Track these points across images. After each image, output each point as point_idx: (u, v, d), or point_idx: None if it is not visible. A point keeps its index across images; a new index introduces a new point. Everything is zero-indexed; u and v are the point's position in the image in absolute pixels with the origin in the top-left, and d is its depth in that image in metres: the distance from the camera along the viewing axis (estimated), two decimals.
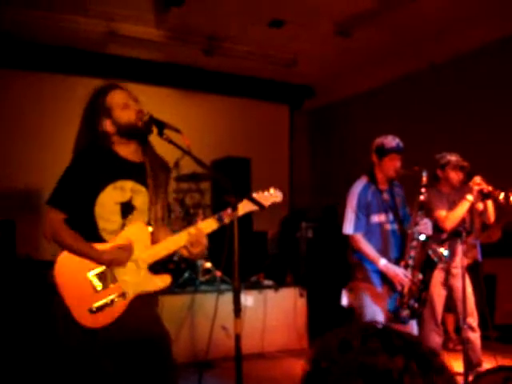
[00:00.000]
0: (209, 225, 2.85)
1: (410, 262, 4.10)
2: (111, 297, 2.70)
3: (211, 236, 7.38)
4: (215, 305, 2.87)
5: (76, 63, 8.13)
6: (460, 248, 4.68)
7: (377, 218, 4.22)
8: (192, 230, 2.81)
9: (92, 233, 2.74)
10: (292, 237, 8.04)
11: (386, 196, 4.30)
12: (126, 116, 2.78)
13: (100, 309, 2.68)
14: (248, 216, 8.03)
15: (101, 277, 2.70)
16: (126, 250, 2.72)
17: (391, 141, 4.24)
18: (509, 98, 6.96)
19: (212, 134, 8.89)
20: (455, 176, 4.81)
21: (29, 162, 7.86)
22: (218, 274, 6.55)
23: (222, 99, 9.48)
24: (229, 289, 6.09)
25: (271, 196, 2.97)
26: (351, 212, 4.20)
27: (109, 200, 2.76)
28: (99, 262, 2.69)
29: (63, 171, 2.77)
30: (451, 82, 7.71)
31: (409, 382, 0.93)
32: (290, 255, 7.95)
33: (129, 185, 2.81)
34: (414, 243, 4.11)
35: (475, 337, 4.76)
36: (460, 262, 4.65)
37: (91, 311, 2.66)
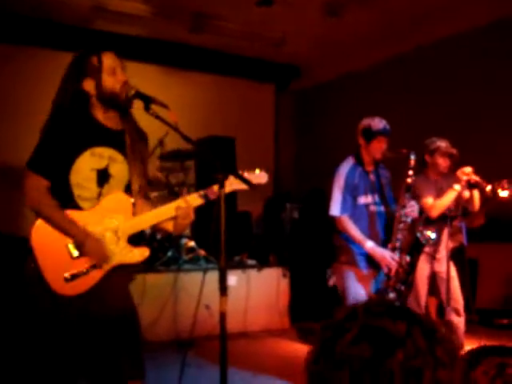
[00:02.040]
0: (193, 200, 2.80)
1: (398, 244, 4.09)
2: (87, 266, 2.65)
3: (195, 214, 7.36)
4: (201, 283, 2.84)
5: (61, 38, 7.97)
6: (446, 233, 4.71)
7: (363, 200, 4.21)
8: (181, 202, 2.76)
9: (67, 199, 2.67)
10: (276, 217, 8.03)
11: (372, 177, 4.28)
12: (111, 82, 2.70)
13: (75, 277, 2.63)
14: (232, 196, 8.03)
15: (78, 245, 2.65)
16: (107, 253, 2.68)
17: (378, 123, 4.22)
18: (495, 82, 6.96)
19: (197, 112, 8.80)
20: (443, 163, 4.79)
21: (7, 139, 7.71)
22: (202, 252, 6.54)
23: (207, 77, 9.38)
24: (212, 268, 6.08)
25: (257, 176, 2.94)
26: (338, 193, 4.17)
27: (85, 166, 2.68)
28: (78, 244, 2.63)
29: (41, 133, 2.68)
30: (438, 64, 7.69)
31: (411, 346, 0.96)
32: (274, 236, 7.95)
33: (107, 152, 2.74)
34: (401, 226, 4.10)
35: (459, 321, 4.77)
36: (445, 246, 4.67)
37: (66, 279, 2.62)
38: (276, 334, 6.43)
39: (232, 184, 2.78)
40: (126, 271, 2.82)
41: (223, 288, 2.58)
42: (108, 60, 2.75)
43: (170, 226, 2.86)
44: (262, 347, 5.91)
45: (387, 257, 4.02)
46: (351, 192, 4.16)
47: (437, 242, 4.73)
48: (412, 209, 4.11)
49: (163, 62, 8.92)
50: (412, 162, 4.13)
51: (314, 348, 1.06)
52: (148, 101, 2.68)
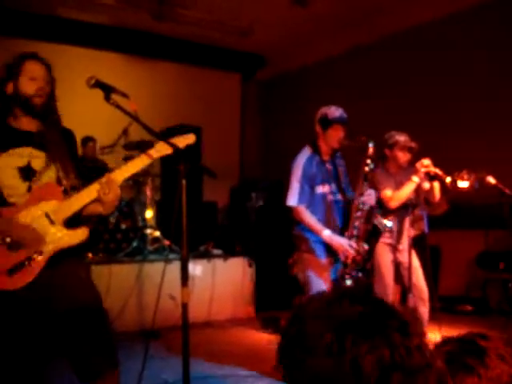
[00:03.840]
0: (123, 171, 2.77)
1: (355, 232, 4.12)
2: (27, 255, 2.62)
3: (160, 204, 7.31)
4: (162, 273, 2.83)
5: (23, 26, 7.82)
6: (407, 223, 4.76)
7: (321, 189, 4.23)
8: (103, 179, 2.71)
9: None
10: (242, 207, 8.03)
11: (329, 166, 4.32)
12: (27, 86, 2.71)
13: (16, 269, 2.60)
14: (198, 187, 7.97)
15: (5, 235, 2.61)
16: (37, 233, 2.64)
17: (334, 111, 4.23)
18: (460, 73, 7.04)
19: (163, 102, 8.75)
20: (403, 156, 4.79)
21: None
22: (167, 243, 6.52)
23: (172, 66, 9.32)
24: (177, 258, 6.06)
25: (184, 138, 2.92)
26: (296, 183, 4.19)
27: (5, 166, 2.68)
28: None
29: None
30: (402, 56, 7.74)
31: (382, 341, 0.96)
32: (240, 225, 7.95)
33: (25, 151, 2.73)
34: (359, 214, 4.14)
35: (424, 311, 4.81)
36: (407, 236, 4.73)
37: (7, 273, 2.58)
38: (241, 322, 6.45)
39: (160, 151, 2.76)
40: (75, 260, 2.79)
41: (185, 278, 2.57)
42: (32, 66, 2.74)
43: (100, 209, 2.81)
44: (226, 336, 5.92)
45: (344, 245, 4.05)
46: (308, 182, 4.18)
47: (398, 231, 4.78)
48: (369, 197, 4.15)
49: (128, 50, 8.82)
50: (370, 150, 4.15)
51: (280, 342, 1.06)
52: (108, 90, 2.66)
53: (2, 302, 2.64)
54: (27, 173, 2.72)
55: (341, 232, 4.18)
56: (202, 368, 4.46)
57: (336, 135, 4.20)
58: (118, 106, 2.63)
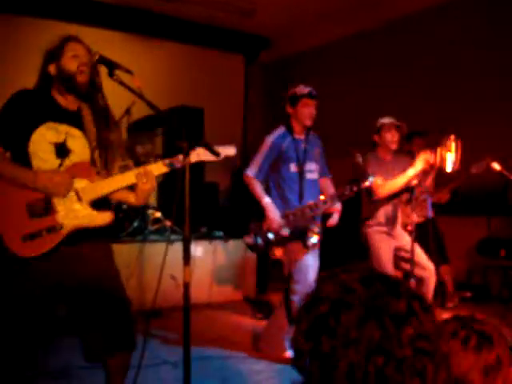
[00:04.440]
0: (157, 168, 2.78)
1: (292, 216, 4.24)
2: (46, 226, 2.64)
3: (162, 185, 7.29)
4: (164, 253, 2.81)
5: (26, 3, 7.74)
6: (400, 210, 4.75)
7: (295, 168, 4.33)
8: (141, 169, 2.76)
9: None
10: (244, 189, 7.99)
11: (303, 145, 4.39)
12: (69, 63, 2.73)
13: (32, 237, 2.62)
14: (199, 168, 7.97)
15: (37, 204, 2.64)
16: (65, 179, 2.65)
17: (303, 88, 4.34)
18: (463, 59, 6.98)
19: (166, 82, 8.69)
20: (392, 137, 4.74)
21: None
22: (168, 223, 6.50)
23: (176, 46, 9.22)
24: (178, 239, 6.05)
25: (225, 149, 2.90)
26: (259, 158, 4.35)
27: (42, 139, 2.69)
28: (33, 186, 2.61)
29: (1, 109, 2.72)
30: (406, 40, 7.66)
31: (416, 323, 0.97)
32: (241, 207, 7.92)
33: (63, 128, 2.75)
34: (308, 210, 4.22)
35: (431, 287, 4.74)
36: (400, 222, 4.77)
37: (23, 238, 2.60)
38: (241, 305, 6.45)
39: (199, 154, 2.75)
40: (100, 240, 2.82)
41: (187, 258, 2.55)
42: (72, 46, 2.77)
43: (132, 198, 2.88)
44: (227, 318, 5.92)
45: (273, 220, 4.20)
46: (275, 159, 4.31)
47: (392, 217, 4.75)
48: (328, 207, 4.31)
49: (131, 29, 8.72)
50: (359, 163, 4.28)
51: (303, 323, 1.03)
52: (112, 66, 2.65)
53: (12, 266, 2.66)
54: (62, 150, 2.73)
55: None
56: (202, 349, 4.46)
57: (307, 111, 4.30)
58: (122, 83, 2.61)
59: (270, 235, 4.24)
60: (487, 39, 6.69)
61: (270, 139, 4.36)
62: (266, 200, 4.26)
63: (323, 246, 4.46)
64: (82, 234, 2.72)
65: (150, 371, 3.94)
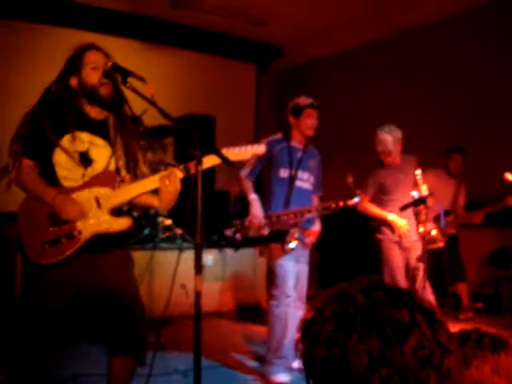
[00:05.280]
0: (176, 173, 2.80)
1: (276, 219, 4.25)
2: (65, 233, 2.68)
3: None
4: (176, 261, 2.80)
5: (39, 11, 7.77)
6: (412, 223, 4.75)
7: (284, 173, 4.32)
8: (166, 173, 2.77)
9: (52, 180, 2.73)
10: None
11: (300, 154, 4.39)
12: (90, 76, 2.76)
13: (51, 244, 2.66)
14: (210, 175, 7.95)
15: (57, 213, 2.68)
16: (76, 209, 2.69)
17: (305, 99, 4.38)
18: (476, 65, 6.94)
19: (177, 90, 8.69)
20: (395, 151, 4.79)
21: None
22: (179, 231, 6.50)
23: (187, 54, 9.23)
24: (189, 247, 6.04)
25: (253, 147, 2.90)
26: (254, 160, 4.27)
27: (67, 148, 2.73)
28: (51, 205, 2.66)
29: (25, 119, 2.76)
30: (416, 51, 7.63)
31: (418, 334, 0.94)
32: None
33: (87, 137, 2.78)
34: (297, 218, 4.24)
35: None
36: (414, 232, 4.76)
37: (42, 246, 2.65)
38: (252, 313, 6.42)
39: (212, 159, 2.74)
40: (119, 247, 2.87)
41: (198, 267, 2.54)
42: (91, 56, 2.79)
43: (155, 202, 2.89)
44: (237, 327, 5.90)
45: (256, 217, 4.22)
46: (267, 162, 4.30)
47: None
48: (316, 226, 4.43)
49: (143, 37, 8.74)
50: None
51: (311, 332, 1.02)
52: (125, 74, 2.66)
53: (32, 274, 2.72)
54: (85, 160, 2.77)
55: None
56: (212, 358, 4.45)
57: (309, 122, 4.33)
58: (135, 90, 2.62)
59: (251, 232, 4.25)
60: (498, 52, 6.66)
61: (264, 141, 4.27)
62: (252, 196, 4.29)
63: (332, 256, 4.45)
64: (102, 241, 2.74)
65: (160, 380, 3.93)
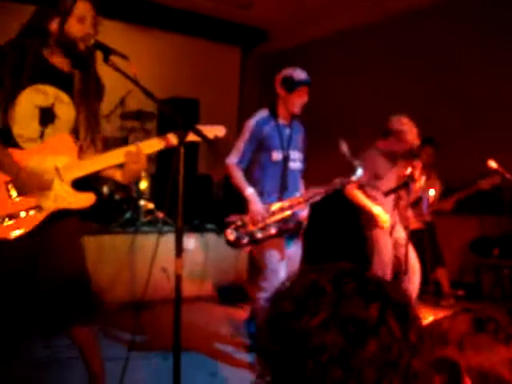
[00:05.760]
0: (150, 146, 2.72)
1: (280, 214, 4.01)
2: (26, 207, 2.57)
3: (155, 176, 7.22)
4: (155, 245, 2.76)
5: None
6: (392, 204, 4.78)
7: (278, 155, 4.07)
8: (132, 147, 2.68)
9: (6, 138, 2.58)
10: None
11: (288, 132, 4.14)
12: (74, 28, 2.61)
13: (11, 218, 2.54)
14: (193, 160, 7.87)
15: (18, 185, 2.56)
16: (42, 186, 2.58)
17: (300, 73, 4.07)
18: (465, 57, 6.93)
19: (161, 72, 8.59)
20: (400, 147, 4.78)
21: None
22: (161, 215, 6.45)
23: (171, 37, 9.12)
24: (171, 230, 6.00)
25: (214, 129, 2.85)
26: (240, 144, 4.06)
27: (28, 102, 2.58)
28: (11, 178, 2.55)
29: None
30: (406, 35, 7.60)
31: (385, 335, 0.85)
32: (236, 200, 7.87)
33: (52, 91, 2.64)
34: (297, 205, 4.03)
35: (414, 287, 4.80)
36: (395, 214, 4.83)
37: (1, 220, 2.53)
38: (233, 298, 6.40)
39: (189, 137, 2.67)
40: (77, 221, 2.78)
41: (179, 250, 2.50)
42: (82, 7, 2.64)
43: (117, 175, 2.79)
44: (218, 311, 5.89)
45: (258, 213, 3.93)
46: (257, 145, 4.04)
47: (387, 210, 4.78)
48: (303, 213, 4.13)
49: (127, 19, 8.61)
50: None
51: (266, 320, 0.94)
52: (107, 51, 2.59)
53: None
54: (46, 116, 2.62)
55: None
56: (193, 341, 4.42)
57: (300, 99, 4.05)
58: (117, 68, 2.55)
59: (259, 234, 3.95)
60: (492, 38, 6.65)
61: (251, 123, 4.09)
62: (249, 191, 4.00)
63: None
64: (58, 213, 2.65)
65: (140, 363, 3.90)
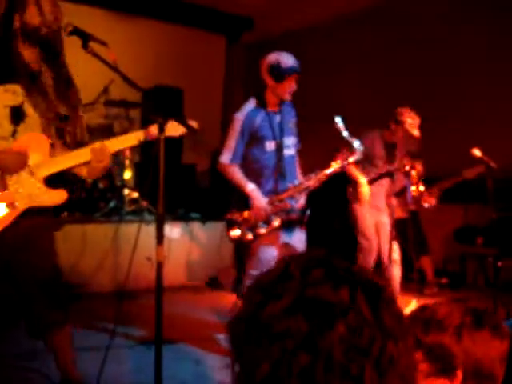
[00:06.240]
0: (122, 141, 2.70)
1: (281, 203, 3.93)
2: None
3: (139, 166, 7.18)
4: (137, 233, 2.74)
5: None
6: (382, 189, 4.85)
7: (270, 145, 3.96)
8: (96, 145, 2.65)
9: None
10: None
11: (278, 119, 3.99)
12: (34, 17, 2.60)
13: None
14: (177, 149, 7.82)
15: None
16: (19, 157, 2.56)
17: (287, 59, 3.87)
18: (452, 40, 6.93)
19: (144, 62, 8.50)
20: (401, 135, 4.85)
21: None
22: (145, 204, 6.42)
23: (155, 24, 9.01)
24: (154, 219, 5.97)
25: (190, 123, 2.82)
26: (232, 140, 3.95)
27: None
28: None
29: None
30: (392, 23, 7.59)
31: (354, 318, 0.81)
32: (220, 189, 7.85)
33: (21, 89, 2.63)
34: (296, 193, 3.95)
35: (397, 273, 4.87)
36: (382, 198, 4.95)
37: None
38: (218, 287, 6.41)
39: (176, 129, 2.65)
40: (48, 216, 2.75)
41: (160, 236, 2.49)
42: None
43: (82, 172, 2.79)
44: (203, 300, 5.88)
45: (261, 207, 3.81)
46: (249, 137, 3.92)
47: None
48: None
49: (110, 6, 8.52)
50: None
51: (239, 313, 0.91)
52: (86, 38, 2.56)
53: None
54: (17, 115, 2.60)
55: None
56: (176, 330, 4.41)
57: (289, 87, 3.88)
58: (96, 55, 2.52)
59: (262, 229, 3.85)
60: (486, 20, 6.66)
61: (240, 116, 3.93)
62: (250, 187, 3.85)
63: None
64: (31, 210, 2.64)
65: (122, 352, 3.89)
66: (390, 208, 4.79)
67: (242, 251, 4.15)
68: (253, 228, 3.85)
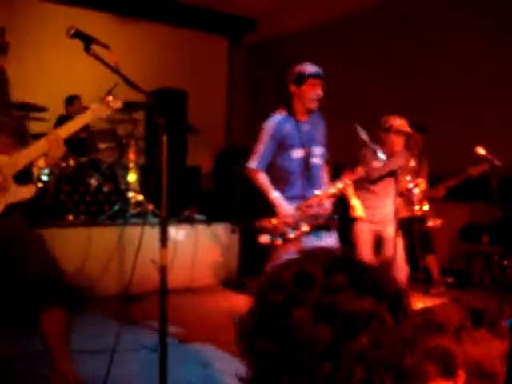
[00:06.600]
0: (69, 126, 2.85)
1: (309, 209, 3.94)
2: None
3: (144, 169, 7.17)
4: (140, 235, 2.75)
5: None
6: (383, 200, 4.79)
7: (298, 153, 3.99)
8: (51, 136, 2.79)
9: None
10: (227, 173, 7.91)
11: (306, 128, 4.04)
12: None
13: None
14: (182, 151, 7.82)
15: None
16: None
17: (310, 67, 3.98)
18: (452, 40, 6.92)
19: (148, 64, 8.53)
20: (397, 141, 4.74)
21: None
22: (150, 207, 6.42)
23: (158, 27, 9.05)
24: (158, 222, 5.98)
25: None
26: (260, 147, 4.00)
27: None
28: None
29: None
30: (395, 23, 7.59)
31: (376, 328, 0.81)
32: (225, 191, 7.85)
33: None
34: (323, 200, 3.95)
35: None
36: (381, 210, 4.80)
37: None
38: (223, 289, 6.41)
39: (94, 111, 2.87)
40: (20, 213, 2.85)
41: (163, 239, 2.49)
42: None
43: (41, 162, 2.91)
44: (208, 303, 5.87)
45: (287, 214, 3.85)
46: (275, 146, 3.97)
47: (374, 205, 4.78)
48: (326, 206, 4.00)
49: (115, 10, 8.56)
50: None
51: (253, 314, 0.89)
52: (88, 41, 2.57)
53: None
54: None
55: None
56: (183, 332, 4.42)
57: (313, 92, 3.95)
58: (98, 58, 2.54)
59: (291, 234, 3.85)
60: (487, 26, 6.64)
61: (270, 125, 4.01)
62: (274, 194, 3.91)
63: None
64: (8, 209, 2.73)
65: (127, 355, 3.88)
66: (394, 207, 4.70)
67: (266, 254, 4.16)
68: (282, 234, 3.89)
